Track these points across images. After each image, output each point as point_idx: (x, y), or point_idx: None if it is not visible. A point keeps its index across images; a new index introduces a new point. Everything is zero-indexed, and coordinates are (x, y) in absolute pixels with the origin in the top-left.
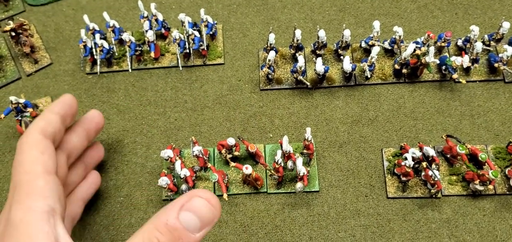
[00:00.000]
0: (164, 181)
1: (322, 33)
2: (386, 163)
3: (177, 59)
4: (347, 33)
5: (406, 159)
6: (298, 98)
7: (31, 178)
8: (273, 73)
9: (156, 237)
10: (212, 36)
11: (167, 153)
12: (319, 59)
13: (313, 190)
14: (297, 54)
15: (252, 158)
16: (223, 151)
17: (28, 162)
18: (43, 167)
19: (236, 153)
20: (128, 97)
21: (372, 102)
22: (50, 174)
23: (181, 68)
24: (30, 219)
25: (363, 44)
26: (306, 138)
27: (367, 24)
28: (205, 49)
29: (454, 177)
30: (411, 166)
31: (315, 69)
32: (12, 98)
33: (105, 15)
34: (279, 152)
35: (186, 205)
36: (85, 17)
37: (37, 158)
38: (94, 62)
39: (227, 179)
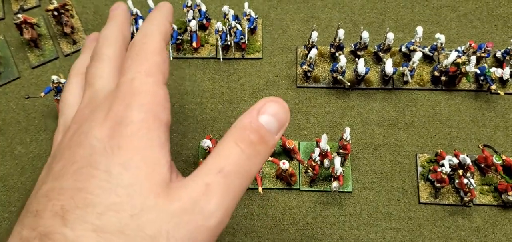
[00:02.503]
0: None
1: (365, 35)
2: (420, 169)
3: (219, 50)
4: (390, 36)
5: (443, 165)
6: (335, 98)
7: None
8: (312, 71)
9: (247, 136)
10: (252, 31)
11: (207, 142)
12: (361, 60)
13: (346, 190)
14: (337, 54)
15: (287, 154)
16: None
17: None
18: (163, 77)
19: None
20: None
21: (408, 107)
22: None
23: (221, 60)
24: (151, 125)
25: (404, 49)
26: (344, 137)
27: (406, 29)
28: (246, 43)
29: (486, 187)
30: (448, 172)
31: (355, 70)
32: (54, 77)
33: (150, 1)
34: (317, 150)
35: (262, 109)
36: (129, 2)
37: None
38: None
39: (262, 173)
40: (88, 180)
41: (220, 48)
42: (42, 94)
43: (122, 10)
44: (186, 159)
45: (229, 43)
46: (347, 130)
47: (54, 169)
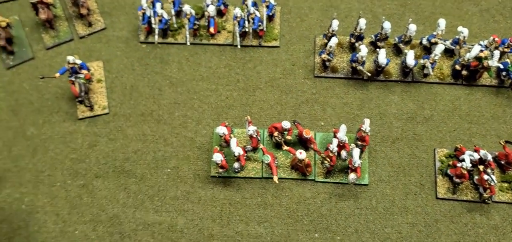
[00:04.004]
0: (218, 157)
1: (387, 25)
2: (438, 163)
3: (236, 37)
4: (412, 28)
5: (463, 160)
6: (353, 89)
7: None
8: (332, 60)
9: None
10: (270, 18)
11: (222, 129)
12: (383, 51)
13: (362, 183)
14: (357, 44)
15: (303, 144)
16: (276, 133)
17: None
18: None
19: (288, 137)
20: (181, 71)
21: (428, 101)
22: None
23: (239, 47)
24: None
25: (424, 41)
26: (364, 129)
27: (427, 21)
28: (264, 30)
29: (506, 184)
30: (469, 168)
31: (375, 61)
32: (70, 58)
33: None
34: (334, 141)
35: None
36: None
37: None
38: (149, 32)
39: (277, 162)
40: None
41: (237, 35)
42: (57, 74)
43: None
44: (200, 146)
45: (247, 29)
46: (367, 121)
47: None
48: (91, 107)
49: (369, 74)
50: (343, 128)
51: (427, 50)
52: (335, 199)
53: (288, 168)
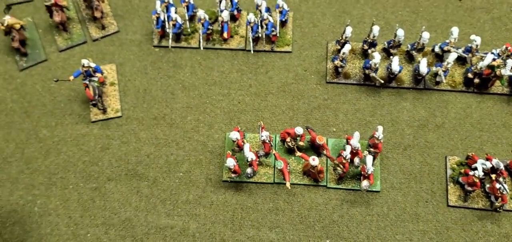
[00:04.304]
0: (231, 162)
1: (400, 32)
2: (449, 171)
3: (250, 42)
4: (425, 35)
5: (475, 169)
6: (365, 95)
7: None
8: (344, 66)
9: None
10: (283, 23)
11: (235, 135)
12: (396, 58)
13: (374, 189)
14: (370, 51)
15: (316, 149)
16: (288, 139)
17: None
18: None
19: (301, 143)
20: (194, 75)
21: (439, 108)
22: None
23: (252, 52)
24: None
25: (437, 49)
26: (377, 136)
27: (439, 29)
28: (277, 35)
29: None
30: (481, 176)
31: (388, 68)
32: (84, 61)
33: None
34: (348, 148)
35: None
36: None
37: None
38: (162, 36)
39: (289, 168)
40: None
41: (251, 40)
42: (71, 78)
43: None
44: (212, 150)
45: (259, 35)
46: (380, 128)
47: None
48: (104, 110)
49: (382, 82)
50: (356, 135)
51: (440, 57)
52: (346, 205)
53: (300, 173)
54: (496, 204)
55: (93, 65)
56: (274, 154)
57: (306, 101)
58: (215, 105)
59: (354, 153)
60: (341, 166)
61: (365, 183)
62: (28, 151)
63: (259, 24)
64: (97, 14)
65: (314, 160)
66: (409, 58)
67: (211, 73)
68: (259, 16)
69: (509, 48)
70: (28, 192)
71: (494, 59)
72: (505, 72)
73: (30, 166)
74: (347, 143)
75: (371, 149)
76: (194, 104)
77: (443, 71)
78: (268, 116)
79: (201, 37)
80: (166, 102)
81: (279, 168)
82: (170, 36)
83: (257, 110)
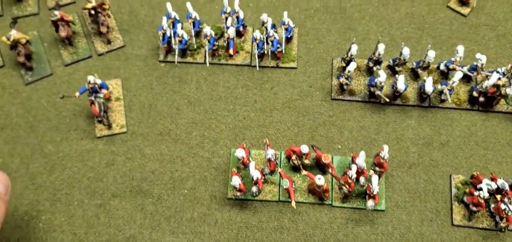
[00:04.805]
0: (237, 181)
1: (406, 51)
2: (454, 190)
3: (255, 58)
4: (431, 54)
5: (480, 189)
6: (370, 112)
7: None
8: (350, 84)
9: None
10: (288, 40)
11: (242, 153)
12: (401, 77)
13: (378, 208)
14: (374, 68)
15: (321, 168)
16: (294, 157)
17: None
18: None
19: (306, 161)
20: (199, 90)
21: (444, 126)
22: None
23: (258, 68)
24: None
25: (442, 67)
26: (382, 155)
27: (444, 46)
28: (282, 51)
29: None
30: (486, 197)
31: (394, 86)
32: (90, 78)
33: (189, 5)
34: (353, 167)
35: None
36: (168, 5)
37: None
38: (168, 51)
39: (294, 186)
40: None
41: (256, 56)
42: (77, 94)
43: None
44: (217, 166)
45: (265, 51)
46: (386, 147)
47: None
48: (109, 126)
49: (388, 100)
50: (362, 154)
51: (445, 75)
52: (351, 224)
53: (305, 191)
54: (501, 224)
55: (99, 81)
56: (279, 172)
57: (311, 118)
58: (220, 121)
59: (360, 172)
60: (347, 186)
61: (370, 203)
62: (33, 166)
63: (265, 41)
64: (103, 29)
65: (320, 179)
66: (414, 75)
67: (217, 88)
68: (264, 33)
69: None
70: (33, 208)
71: (499, 78)
72: (510, 91)
73: (35, 182)
74: (353, 161)
75: (377, 168)
76: (199, 119)
77: (448, 90)
78: (273, 132)
79: (207, 53)
80: (171, 118)
81: (285, 187)
82: (176, 53)
83: (262, 126)
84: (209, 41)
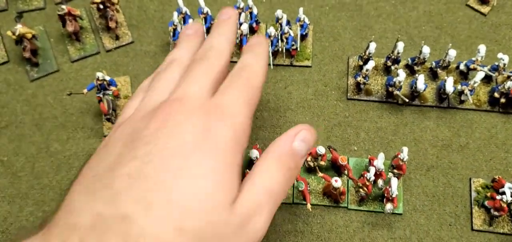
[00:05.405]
0: None
1: (426, 50)
2: (474, 194)
3: (270, 56)
4: (452, 53)
5: (503, 193)
6: (387, 113)
7: None
8: (367, 83)
9: (287, 163)
10: (303, 37)
11: (255, 153)
12: (421, 77)
13: (396, 212)
14: (393, 67)
15: (336, 169)
16: (309, 158)
17: None
18: (252, 111)
19: (322, 163)
20: None
21: (463, 128)
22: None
23: (272, 67)
24: (235, 147)
25: (462, 67)
26: (402, 158)
27: (463, 45)
28: (297, 49)
29: None
30: (509, 201)
31: (413, 85)
32: (99, 74)
33: (201, 0)
34: (372, 169)
35: (298, 135)
36: (180, 0)
37: (255, 102)
38: None
39: (309, 188)
40: (175, 179)
41: (270, 54)
42: (85, 91)
43: (234, 22)
44: None
45: (279, 48)
46: (405, 149)
47: (140, 151)
48: None
49: (406, 100)
50: (381, 156)
51: (464, 75)
52: (368, 228)
53: (320, 194)
54: None
55: (107, 78)
56: None
57: (326, 118)
58: None
59: (378, 174)
60: (365, 188)
61: (389, 206)
62: (39, 165)
63: (279, 37)
64: (112, 25)
65: (336, 182)
66: (433, 75)
67: None
68: (279, 29)
69: None
70: (39, 208)
71: None
72: None
73: (41, 181)
74: (371, 163)
75: (395, 171)
76: None
77: (469, 90)
78: None
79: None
80: None
81: (300, 189)
82: None
83: (276, 127)
84: None
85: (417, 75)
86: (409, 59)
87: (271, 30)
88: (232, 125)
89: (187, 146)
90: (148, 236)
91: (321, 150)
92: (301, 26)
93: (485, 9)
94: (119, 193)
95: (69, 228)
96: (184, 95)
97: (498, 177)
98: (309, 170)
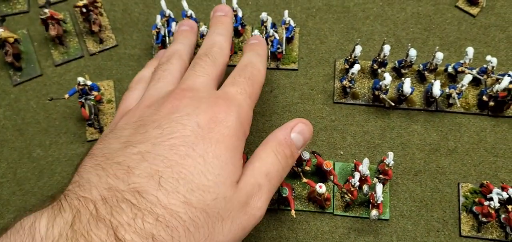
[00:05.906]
0: None
1: (413, 53)
2: (462, 199)
3: (268, 56)
4: (439, 56)
5: (491, 199)
6: (374, 116)
7: None
8: (353, 87)
9: (283, 150)
10: (289, 40)
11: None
12: (408, 80)
13: (382, 218)
14: (379, 70)
15: (321, 174)
16: (294, 164)
17: None
18: (255, 103)
19: (307, 168)
20: None
21: (452, 132)
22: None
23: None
24: (240, 135)
25: (450, 69)
26: (387, 163)
27: (452, 47)
28: (282, 52)
29: None
30: (497, 207)
31: (399, 89)
32: (80, 79)
33: (184, 3)
34: (356, 174)
35: (294, 128)
36: (163, 3)
37: (258, 95)
38: None
39: (294, 193)
40: (184, 158)
41: (269, 54)
42: (66, 96)
43: (230, 21)
44: None
45: None
46: (391, 154)
47: (150, 134)
48: (100, 129)
49: (393, 104)
50: (365, 162)
51: (452, 78)
52: (354, 234)
53: (305, 199)
54: None
55: (89, 83)
56: None
57: (312, 122)
58: None
59: (363, 180)
60: (349, 194)
61: (374, 213)
62: (21, 171)
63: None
64: (95, 28)
65: (321, 188)
66: (421, 78)
67: None
68: (264, 32)
69: None
70: (20, 215)
71: (510, 82)
72: None
73: (22, 187)
74: (356, 169)
75: (381, 176)
76: None
77: (457, 93)
78: None
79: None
80: None
81: (284, 195)
82: None
83: (261, 131)
84: None
85: (403, 78)
86: (396, 62)
87: (256, 34)
88: (238, 113)
89: (197, 131)
90: (159, 207)
91: (306, 155)
92: (287, 29)
93: (474, 10)
94: (132, 168)
95: (81, 200)
96: (193, 85)
97: (486, 182)
98: (294, 176)
